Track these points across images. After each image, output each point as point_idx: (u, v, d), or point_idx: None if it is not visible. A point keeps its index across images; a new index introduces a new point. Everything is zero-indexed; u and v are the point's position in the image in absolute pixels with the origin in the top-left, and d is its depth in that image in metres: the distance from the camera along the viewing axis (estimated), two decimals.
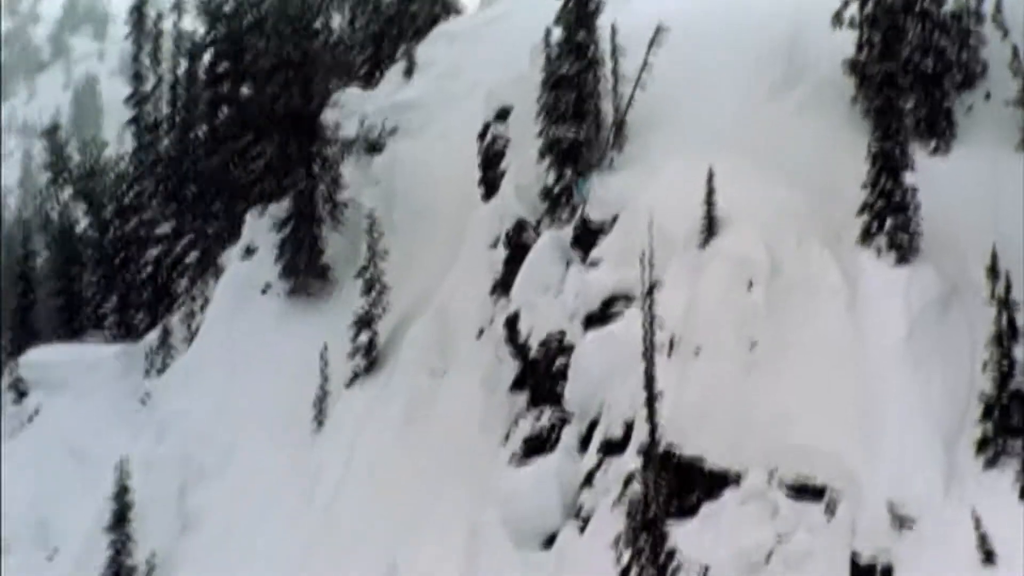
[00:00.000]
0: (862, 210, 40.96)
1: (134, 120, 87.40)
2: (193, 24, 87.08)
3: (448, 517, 47.36)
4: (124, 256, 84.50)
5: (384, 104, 72.05)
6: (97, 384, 71.93)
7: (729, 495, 38.97)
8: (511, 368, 49.34)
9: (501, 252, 51.83)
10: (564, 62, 49.91)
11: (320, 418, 58.08)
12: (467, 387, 51.45)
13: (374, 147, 69.14)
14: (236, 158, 74.74)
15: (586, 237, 47.55)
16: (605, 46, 50.08)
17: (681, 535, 33.75)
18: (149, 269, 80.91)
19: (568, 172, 49.00)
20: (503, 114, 56.28)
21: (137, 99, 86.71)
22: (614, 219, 45.85)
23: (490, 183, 56.29)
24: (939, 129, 46.23)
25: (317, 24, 70.43)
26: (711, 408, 39.73)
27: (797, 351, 39.82)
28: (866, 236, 40.95)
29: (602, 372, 43.23)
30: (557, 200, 49.24)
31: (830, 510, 37.46)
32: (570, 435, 45.19)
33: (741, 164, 43.66)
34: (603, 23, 50.01)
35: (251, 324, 65.81)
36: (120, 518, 57.83)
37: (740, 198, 42.74)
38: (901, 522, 36.06)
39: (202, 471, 60.58)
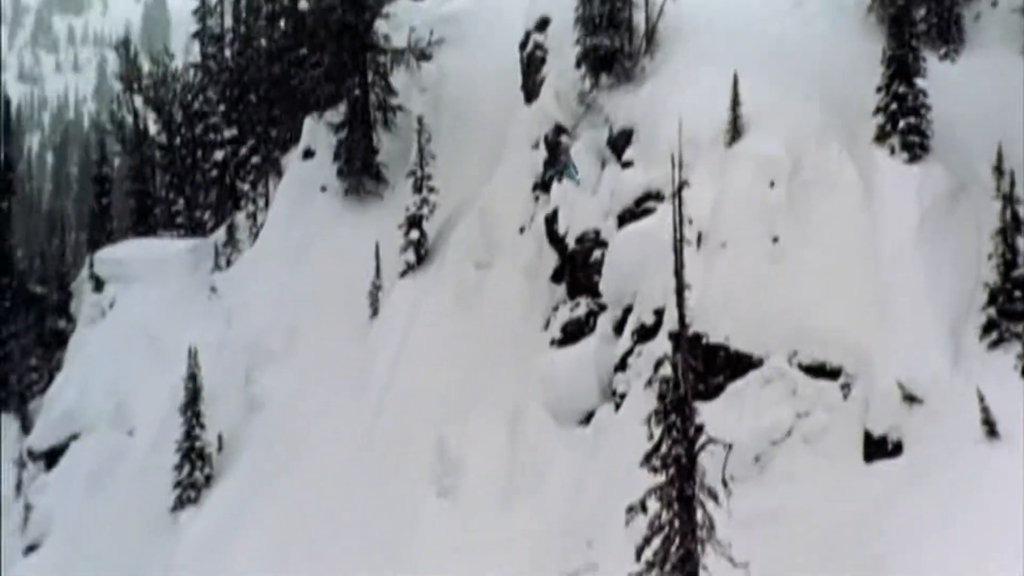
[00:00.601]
0: (876, 112, 40.92)
1: (199, 32, 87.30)
2: None
3: (493, 397, 47.74)
4: (192, 159, 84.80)
5: (431, 16, 71.76)
6: (169, 277, 72.35)
7: (752, 376, 39.25)
8: (551, 261, 49.52)
9: (541, 153, 51.87)
10: None
11: (375, 307, 58.29)
12: (510, 278, 51.65)
13: (422, 56, 68.71)
14: (294, 67, 74.64)
15: (620, 140, 47.50)
16: None
17: (707, 413, 33.81)
18: (215, 171, 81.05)
19: (603, 77, 49.07)
20: (543, 24, 55.99)
21: (202, 12, 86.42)
22: (646, 123, 45.80)
23: (530, 89, 56.17)
24: (949, 36, 46.14)
25: None
26: (736, 297, 39.92)
27: (816, 243, 39.94)
28: (880, 136, 40.92)
29: (635, 265, 43.35)
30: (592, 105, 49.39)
31: (845, 389, 37.78)
32: (605, 322, 45.42)
33: (764, 70, 43.57)
34: None
35: (310, 221, 65.96)
36: (192, 400, 58.38)
37: (763, 102, 42.68)
38: (911, 400, 36.30)
39: (267, 356, 60.96)
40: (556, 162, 49.71)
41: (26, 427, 74.33)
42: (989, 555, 30.44)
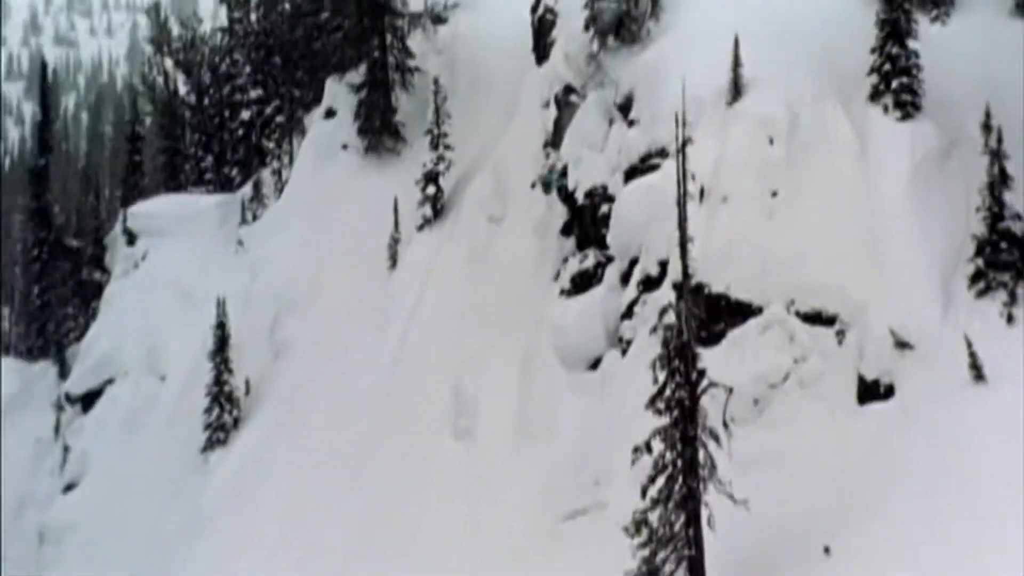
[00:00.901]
0: (871, 72, 40.75)
1: None
2: None
3: (506, 343, 47.91)
4: (220, 119, 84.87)
5: None
6: (198, 230, 72.55)
7: (752, 324, 39.25)
8: (560, 215, 49.51)
9: (551, 112, 51.81)
10: None
11: (393, 259, 58.53)
12: (522, 232, 51.75)
13: (438, 20, 69.07)
14: (316, 31, 74.84)
15: (626, 99, 47.36)
16: None
17: (709, 359, 33.96)
18: (242, 130, 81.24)
19: (610, 40, 48.92)
20: None
21: None
22: (651, 83, 45.70)
23: (541, 52, 56.10)
24: None
25: None
26: (736, 248, 39.89)
27: (812, 198, 39.88)
28: (874, 95, 40.75)
29: (641, 218, 43.30)
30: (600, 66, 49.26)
31: (840, 336, 37.79)
32: (612, 273, 45.44)
33: (763, 33, 43.30)
34: None
35: (332, 178, 66.13)
36: (220, 347, 58.82)
37: (762, 64, 42.51)
38: (902, 346, 36.29)
39: (291, 305, 61.25)
40: (562, 122, 49.69)
41: (63, 373, 74.85)
42: (978, 492, 30.55)
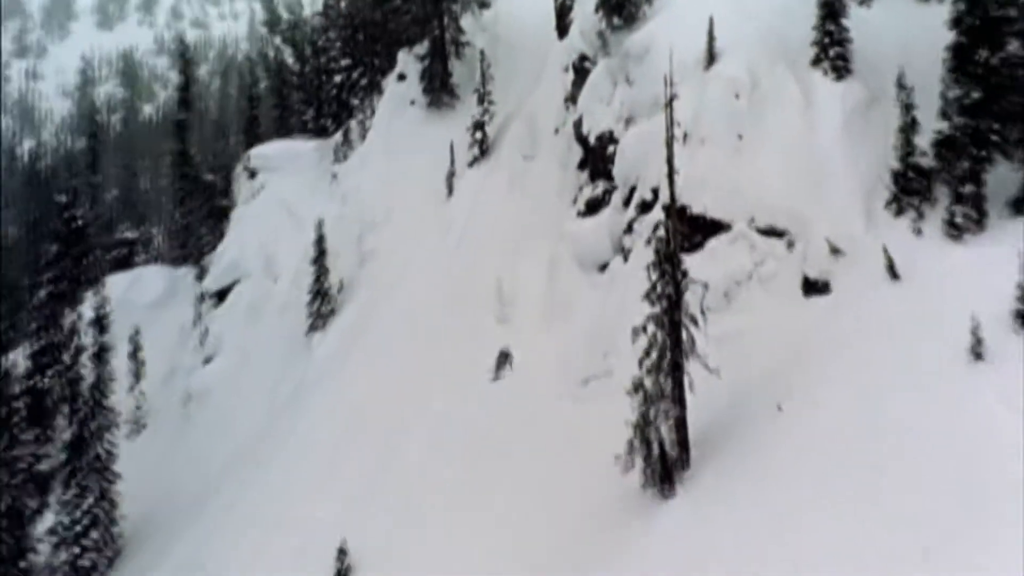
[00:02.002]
0: (813, 44, 40.53)
1: None
2: None
3: (535, 252, 48.06)
4: (318, 82, 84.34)
5: None
6: (302, 168, 72.60)
7: (722, 236, 39.27)
8: (577, 154, 49.50)
9: (570, 76, 51.64)
10: None
11: (450, 188, 58.58)
12: (548, 167, 51.80)
13: (483, 5, 69.35)
14: (391, 14, 74.54)
15: (627, 65, 47.00)
16: None
17: (690, 263, 34.14)
18: (334, 90, 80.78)
19: (615, 19, 48.61)
20: None
21: None
22: (646, 52, 45.46)
23: (562, 28, 55.87)
24: None
25: None
26: (711, 179, 39.85)
27: (769, 140, 39.75)
28: (816, 61, 40.53)
29: (639, 156, 43.29)
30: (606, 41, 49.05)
31: (790, 245, 37.81)
32: (617, 199, 45.46)
33: (732, 13, 42.99)
34: None
35: (403, 127, 66.14)
36: (319, 255, 59.06)
37: (731, 37, 42.29)
38: (836, 252, 36.36)
39: (372, 224, 61.40)
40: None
41: (201, 276, 75.17)
42: (896, 360, 30.67)
